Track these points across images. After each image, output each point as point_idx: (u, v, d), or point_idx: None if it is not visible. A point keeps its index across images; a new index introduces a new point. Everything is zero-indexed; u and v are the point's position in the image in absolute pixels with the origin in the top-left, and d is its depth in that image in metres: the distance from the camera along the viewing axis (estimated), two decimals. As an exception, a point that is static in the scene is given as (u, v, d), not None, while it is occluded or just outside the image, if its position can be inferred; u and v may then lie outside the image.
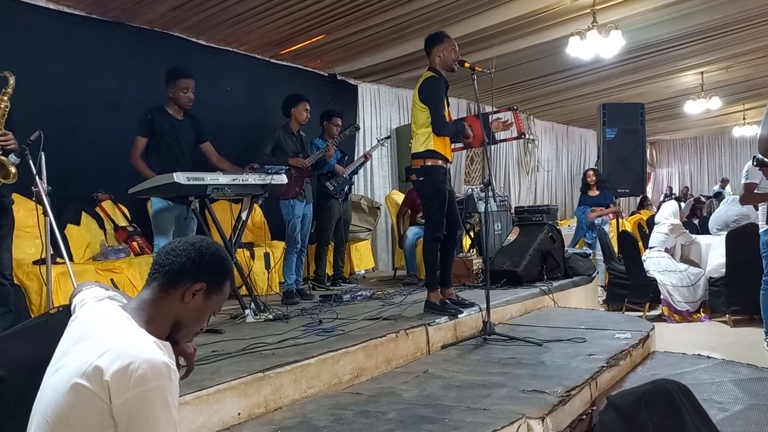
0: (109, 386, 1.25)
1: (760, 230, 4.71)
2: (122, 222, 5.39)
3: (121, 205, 5.44)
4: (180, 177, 3.71)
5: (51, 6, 5.20)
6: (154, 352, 1.32)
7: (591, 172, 8.02)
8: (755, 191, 4.70)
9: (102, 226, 5.29)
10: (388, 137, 7.91)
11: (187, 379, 1.74)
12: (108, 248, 5.02)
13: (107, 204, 5.37)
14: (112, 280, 4.45)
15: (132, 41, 5.71)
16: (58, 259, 3.91)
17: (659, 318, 6.16)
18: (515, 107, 4.65)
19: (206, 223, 4.25)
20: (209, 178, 3.89)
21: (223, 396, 2.50)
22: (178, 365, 1.60)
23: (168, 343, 1.49)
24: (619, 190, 7.77)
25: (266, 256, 5.71)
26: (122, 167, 4.41)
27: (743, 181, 4.74)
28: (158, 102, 4.39)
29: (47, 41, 5.12)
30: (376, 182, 8.54)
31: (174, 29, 5.99)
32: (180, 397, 2.26)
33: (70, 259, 4.13)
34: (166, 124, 4.29)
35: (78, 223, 5.09)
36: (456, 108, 9.40)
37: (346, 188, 6.25)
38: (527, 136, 12.07)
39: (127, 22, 5.67)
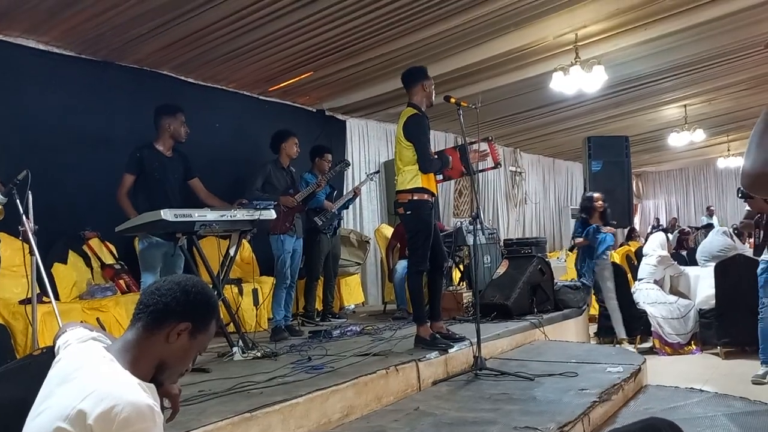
0: (93, 430, 1.23)
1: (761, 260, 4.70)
2: (109, 260, 5.34)
3: (108, 243, 5.41)
4: (167, 214, 3.70)
5: (41, 47, 5.24)
6: (138, 394, 1.30)
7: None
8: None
9: (89, 264, 5.25)
10: (377, 172, 7.95)
11: (173, 421, 1.71)
12: (94, 287, 4.96)
13: (94, 242, 5.33)
14: (98, 319, 4.38)
15: (121, 80, 5.76)
16: (44, 299, 3.86)
17: (651, 350, 6.14)
18: (490, 138, 4.70)
19: (194, 259, 4.22)
20: (197, 215, 3.88)
21: (209, 438, 2.45)
22: (162, 407, 1.57)
23: (152, 385, 1.47)
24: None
25: (254, 292, 5.66)
26: (111, 205, 4.40)
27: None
28: (147, 139, 4.40)
29: (36, 80, 5.15)
30: (366, 216, 8.55)
31: (163, 68, 6.05)
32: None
33: (56, 298, 4.08)
34: (155, 161, 4.30)
35: (65, 262, 5.05)
36: (444, 141, 9.50)
37: (335, 223, 6.25)
38: (515, 168, 12.18)
39: (117, 61, 5.72)
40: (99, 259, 5.29)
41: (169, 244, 4.10)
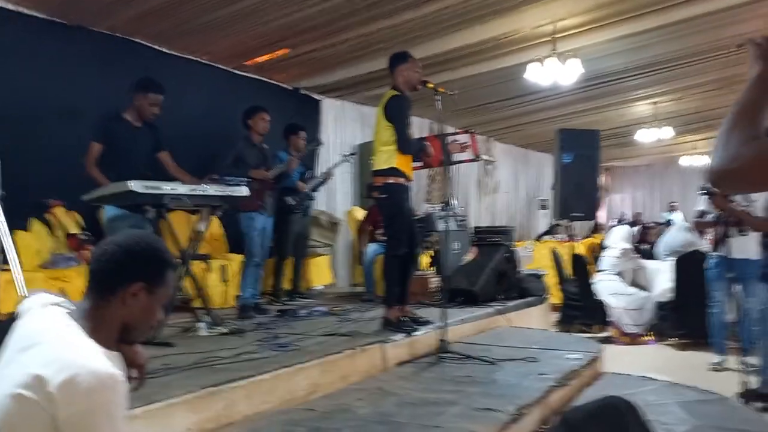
0: (55, 398, 1.20)
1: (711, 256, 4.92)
2: (74, 229, 5.25)
3: (74, 213, 5.31)
4: (136, 185, 3.65)
5: (10, 6, 5.08)
6: (102, 363, 1.27)
7: None
8: (704, 219, 4.99)
9: (53, 233, 5.15)
10: (353, 153, 7.91)
11: (137, 392, 1.71)
12: (58, 256, 4.88)
13: (59, 210, 5.23)
14: (61, 289, 4.32)
15: (92, 47, 5.62)
16: (4, 266, 3.79)
17: (609, 340, 6.30)
18: (473, 130, 4.75)
19: (162, 233, 4.17)
20: (167, 187, 3.83)
21: (173, 410, 2.45)
22: (128, 377, 1.57)
23: (118, 354, 1.46)
24: (573, 214, 7.93)
25: (223, 268, 5.64)
26: (78, 174, 4.31)
27: (696, 208, 5.00)
28: (118, 108, 4.32)
29: (2, 44, 4.99)
30: (338, 198, 8.54)
31: (137, 36, 5.93)
32: (129, 410, 2.22)
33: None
34: (123, 131, 4.21)
35: (26, 229, 4.94)
36: (419, 127, 9.49)
37: (307, 203, 6.24)
38: (488, 158, 12.26)
39: (89, 26, 5.58)
40: (64, 228, 5.20)
41: (136, 216, 4.04)
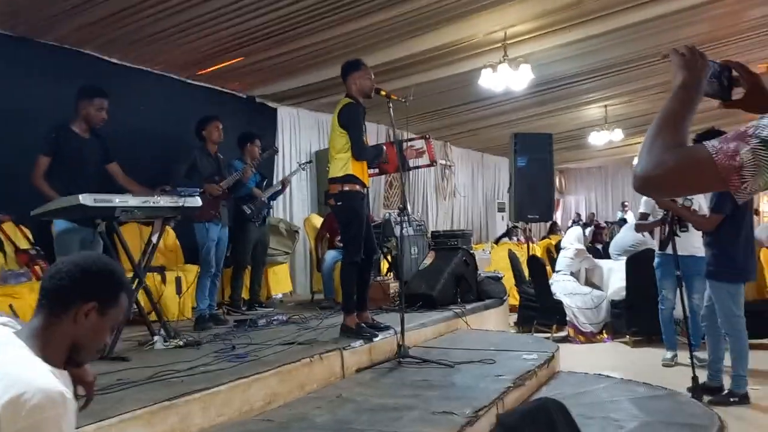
0: (1, 416, 1.20)
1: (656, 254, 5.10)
2: (24, 245, 5.11)
3: (23, 227, 5.17)
4: (86, 199, 3.58)
5: (-49, 18, 4.95)
6: (49, 381, 1.28)
7: None
8: (647, 221, 5.18)
9: (2, 248, 5.01)
10: (310, 162, 7.91)
11: (89, 409, 1.69)
12: (7, 272, 4.74)
13: (8, 226, 5.09)
14: (11, 305, 4.21)
15: (41, 58, 5.50)
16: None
17: (565, 339, 6.43)
18: (427, 136, 4.81)
19: (114, 246, 4.10)
20: (118, 200, 3.77)
21: (126, 426, 2.42)
22: (76, 395, 1.55)
23: (65, 372, 1.45)
24: (529, 216, 8.09)
25: (178, 280, 5.56)
26: (27, 187, 4.21)
27: (639, 210, 5.17)
28: (66, 121, 4.24)
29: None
30: (295, 205, 8.51)
31: (86, 47, 5.82)
32: (80, 427, 2.19)
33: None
34: (71, 142, 4.14)
35: (-26, 246, 4.80)
36: (375, 133, 9.54)
37: (264, 212, 6.21)
38: (445, 162, 12.39)
39: (36, 38, 5.46)
40: (13, 243, 5.06)
41: (87, 229, 3.97)
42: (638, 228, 5.55)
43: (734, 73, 1.35)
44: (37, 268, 5.00)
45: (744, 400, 4.15)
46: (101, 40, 5.67)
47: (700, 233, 4.59)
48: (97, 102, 4.17)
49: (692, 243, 4.83)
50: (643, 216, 5.31)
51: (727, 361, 4.31)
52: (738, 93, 1.37)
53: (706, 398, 4.10)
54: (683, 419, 3.46)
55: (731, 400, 4.15)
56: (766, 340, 5.57)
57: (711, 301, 4.35)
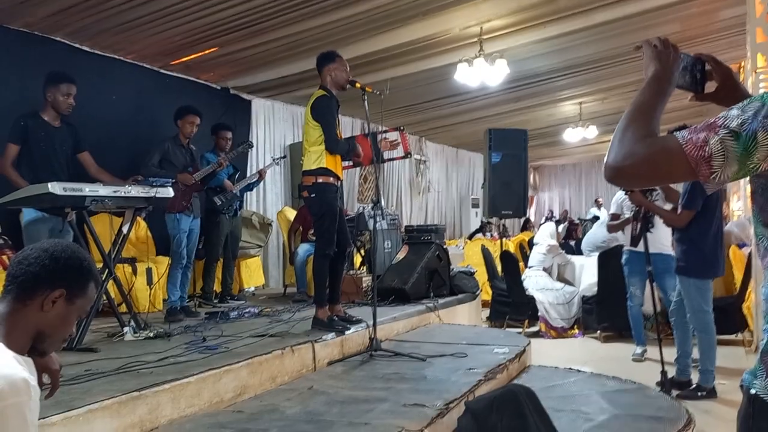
0: None
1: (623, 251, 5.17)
2: (-10, 234, 5.00)
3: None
4: (56, 187, 3.51)
5: None
6: (13, 367, 1.26)
7: None
8: (618, 221, 5.27)
9: (-34, 238, 4.89)
10: (284, 157, 7.84)
11: (56, 399, 1.66)
12: (-28, 262, 4.64)
13: (-27, 215, 4.97)
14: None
15: (8, 44, 5.37)
16: None
17: (537, 334, 6.50)
18: (401, 128, 4.81)
19: (84, 236, 4.03)
20: (88, 189, 3.70)
21: (93, 416, 2.38)
22: (41, 383, 1.52)
23: (30, 359, 1.42)
24: (503, 212, 8.14)
25: (149, 271, 5.49)
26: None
27: (610, 211, 5.25)
28: (36, 108, 4.15)
29: None
30: (269, 198, 8.46)
31: (56, 34, 5.70)
32: (46, 417, 2.16)
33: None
34: (40, 131, 4.07)
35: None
36: (350, 127, 9.52)
37: (236, 204, 6.15)
38: (419, 157, 12.41)
39: (4, 24, 5.33)
40: (-22, 233, 4.95)
41: (56, 219, 3.90)
42: (611, 229, 5.61)
43: (707, 66, 1.37)
44: (4, 258, 4.91)
45: (711, 394, 4.23)
46: (71, 27, 5.57)
47: (668, 230, 4.66)
48: (64, 88, 4.09)
49: (660, 240, 4.89)
50: (614, 217, 5.38)
51: (695, 355, 4.40)
52: (710, 86, 1.39)
53: (674, 392, 4.18)
54: (652, 412, 3.51)
55: (699, 394, 4.23)
56: (734, 335, 5.69)
57: (680, 296, 4.42)
